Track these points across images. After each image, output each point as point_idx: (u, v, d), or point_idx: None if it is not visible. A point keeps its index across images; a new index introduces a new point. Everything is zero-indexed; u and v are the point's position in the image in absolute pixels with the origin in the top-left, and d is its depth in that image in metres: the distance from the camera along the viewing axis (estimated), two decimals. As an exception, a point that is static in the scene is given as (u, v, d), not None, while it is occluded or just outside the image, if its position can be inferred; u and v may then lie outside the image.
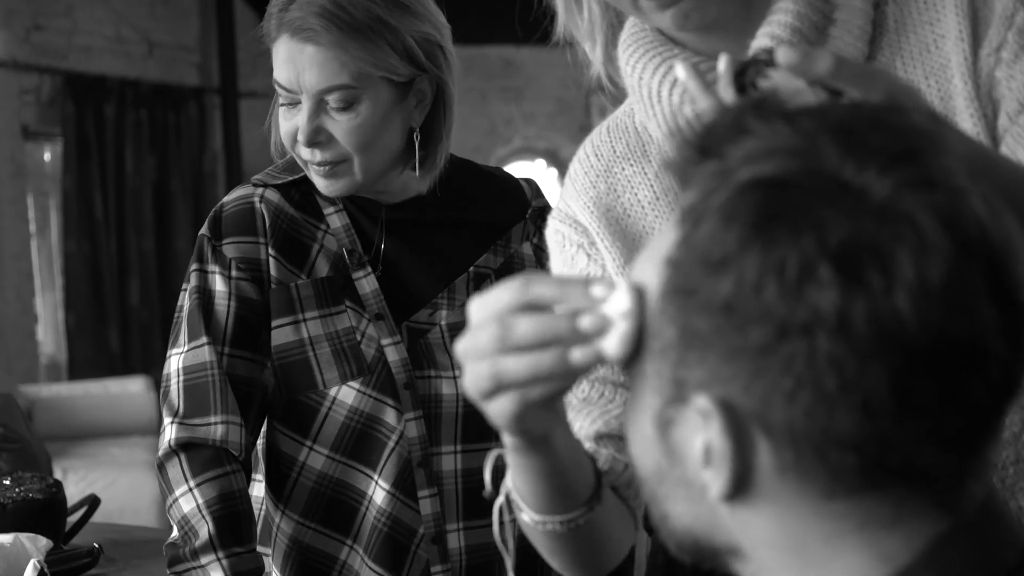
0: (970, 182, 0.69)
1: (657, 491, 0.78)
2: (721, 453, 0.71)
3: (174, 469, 1.63)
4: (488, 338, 0.81)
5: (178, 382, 1.66)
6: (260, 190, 1.73)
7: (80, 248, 7.21)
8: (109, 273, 7.33)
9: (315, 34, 1.58)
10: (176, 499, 1.62)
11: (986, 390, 0.69)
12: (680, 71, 0.98)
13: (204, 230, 1.71)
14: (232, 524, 1.61)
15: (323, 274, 1.69)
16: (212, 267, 1.68)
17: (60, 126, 7.20)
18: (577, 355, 0.79)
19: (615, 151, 1.28)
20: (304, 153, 1.65)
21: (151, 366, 7.29)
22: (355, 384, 1.65)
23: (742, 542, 0.75)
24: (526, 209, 1.84)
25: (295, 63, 1.60)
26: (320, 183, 1.68)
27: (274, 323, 1.68)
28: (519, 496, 1.06)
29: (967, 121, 1.12)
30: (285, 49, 1.61)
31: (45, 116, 7.22)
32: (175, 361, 1.68)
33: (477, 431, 1.70)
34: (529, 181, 1.89)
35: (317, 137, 1.63)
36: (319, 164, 1.65)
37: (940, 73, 1.14)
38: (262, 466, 1.76)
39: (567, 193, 1.31)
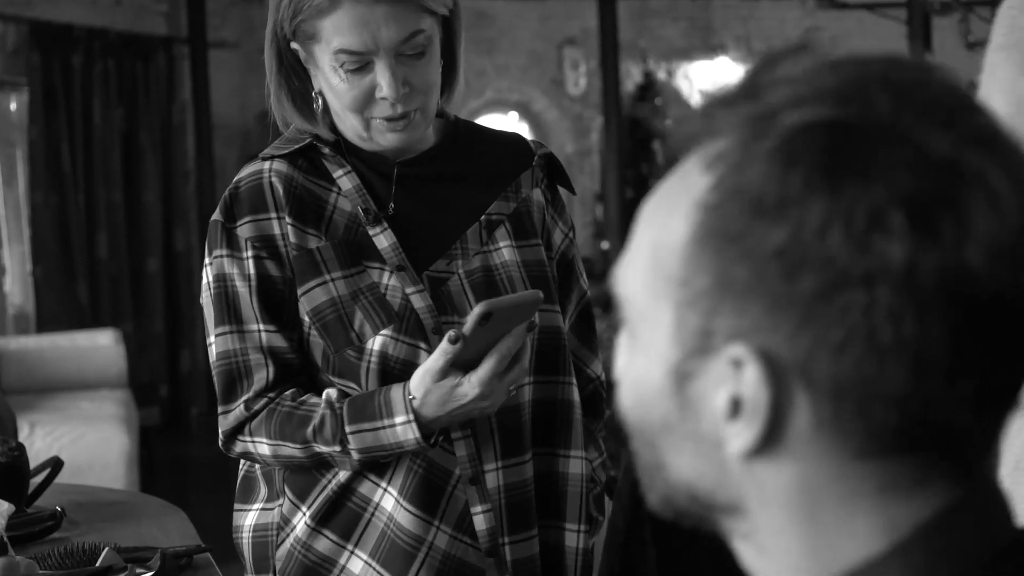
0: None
1: (657, 441, 0.75)
2: (755, 405, 0.68)
3: (241, 443, 1.72)
4: None
5: (215, 371, 1.74)
6: (268, 163, 1.76)
7: (47, 200, 7.14)
8: (77, 225, 7.26)
9: None
10: (276, 449, 1.69)
11: None
12: None
13: (217, 216, 1.74)
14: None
15: (339, 235, 1.72)
16: (227, 252, 1.72)
17: (26, 76, 7.10)
18: None
19: None
20: (384, 110, 1.67)
21: (120, 319, 7.25)
22: (387, 332, 1.68)
23: (749, 500, 0.72)
24: (531, 157, 1.87)
25: (368, 23, 1.62)
26: (392, 138, 1.70)
27: (303, 288, 1.71)
28: None
29: None
30: (353, 13, 1.62)
31: (11, 65, 7.12)
32: (211, 351, 1.76)
33: None
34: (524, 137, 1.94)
35: (403, 89, 1.66)
36: (401, 117, 1.68)
37: None
38: (262, 491, 1.78)
39: None
